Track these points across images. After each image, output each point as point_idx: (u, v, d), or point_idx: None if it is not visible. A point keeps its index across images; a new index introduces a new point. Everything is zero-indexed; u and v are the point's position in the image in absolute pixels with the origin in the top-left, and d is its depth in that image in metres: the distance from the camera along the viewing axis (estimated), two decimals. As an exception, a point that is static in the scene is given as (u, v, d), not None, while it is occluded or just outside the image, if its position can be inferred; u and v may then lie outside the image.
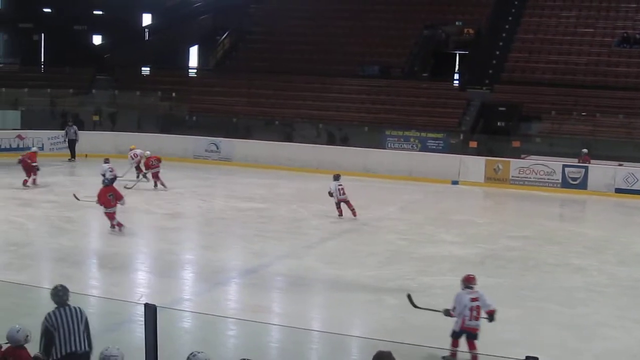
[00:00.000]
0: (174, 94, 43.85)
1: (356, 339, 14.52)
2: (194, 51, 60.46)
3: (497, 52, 43.94)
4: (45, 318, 11.03)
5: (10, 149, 37.17)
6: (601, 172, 34.15)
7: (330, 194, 26.24)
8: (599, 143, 36.83)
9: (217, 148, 38.99)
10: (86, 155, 38.82)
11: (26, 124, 40.27)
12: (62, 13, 52.35)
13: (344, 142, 38.71)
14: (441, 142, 37.27)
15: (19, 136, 38.41)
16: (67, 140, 39.02)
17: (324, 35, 46.00)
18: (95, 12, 55.76)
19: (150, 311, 7.54)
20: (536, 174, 34.49)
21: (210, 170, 37.08)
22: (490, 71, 42.64)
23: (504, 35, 45.20)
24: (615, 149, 36.18)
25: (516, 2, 47.27)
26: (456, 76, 46.66)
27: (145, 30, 58.38)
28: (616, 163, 34.77)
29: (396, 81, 42.49)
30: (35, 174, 30.55)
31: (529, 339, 14.97)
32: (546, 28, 44.68)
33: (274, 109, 41.37)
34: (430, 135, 37.48)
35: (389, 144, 37.68)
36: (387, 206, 29.72)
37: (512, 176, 34.77)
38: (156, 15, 59.48)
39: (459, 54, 47.70)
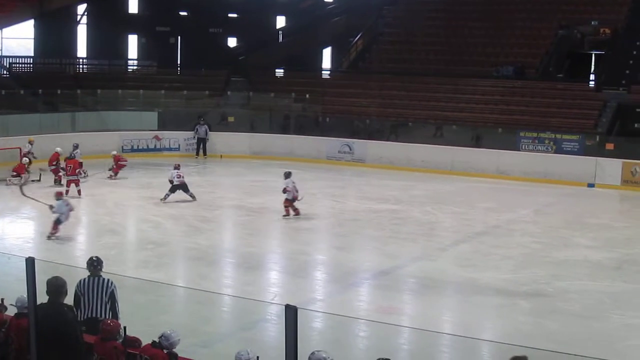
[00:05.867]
0: (307, 96, 44.10)
1: (489, 343, 14.42)
2: (327, 53, 60.93)
3: (635, 52, 42.83)
4: (77, 283, 11.81)
5: (148, 150, 38.08)
6: None
7: (284, 191, 25.96)
8: None
9: (351, 149, 39.05)
10: (221, 156, 39.49)
11: (163, 125, 41.12)
12: (198, 16, 53.33)
13: (477, 142, 38.27)
14: (577, 143, 36.53)
15: (156, 137, 39.34)
16: (196, 137, 39.86)
17: (458, 36, 45.67)
18: (230, 15, 56.63)
19: (291, 312, 7.63)
20: (676, 176, 33.61)
21: (343, 171, 37.11)
22: (627, 71, 41.56)
23: (642, 34, 44.12)
24: None
25: (655, 0, 46.06)
26: (592, 77, 45.78)
27: (279, 32, 59.05)
28: None
29: (531, 82, 41.87)
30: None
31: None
32: (687, 26, 43.47)
33: (407, 110, 41.20)
34: (565, 137, 36.79)
35: (523, 146, 37.15)
36: (521, 209, 29.32)
37: (650, 179, 33.95)
38: (290, 17, 60.07)
39: (595, 54, 46.78)
